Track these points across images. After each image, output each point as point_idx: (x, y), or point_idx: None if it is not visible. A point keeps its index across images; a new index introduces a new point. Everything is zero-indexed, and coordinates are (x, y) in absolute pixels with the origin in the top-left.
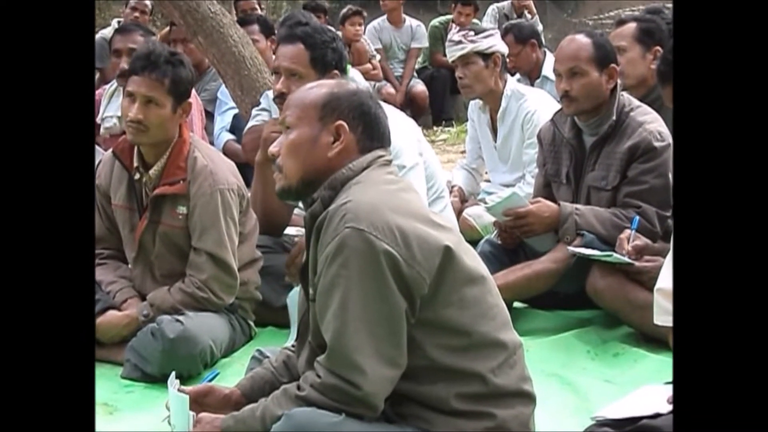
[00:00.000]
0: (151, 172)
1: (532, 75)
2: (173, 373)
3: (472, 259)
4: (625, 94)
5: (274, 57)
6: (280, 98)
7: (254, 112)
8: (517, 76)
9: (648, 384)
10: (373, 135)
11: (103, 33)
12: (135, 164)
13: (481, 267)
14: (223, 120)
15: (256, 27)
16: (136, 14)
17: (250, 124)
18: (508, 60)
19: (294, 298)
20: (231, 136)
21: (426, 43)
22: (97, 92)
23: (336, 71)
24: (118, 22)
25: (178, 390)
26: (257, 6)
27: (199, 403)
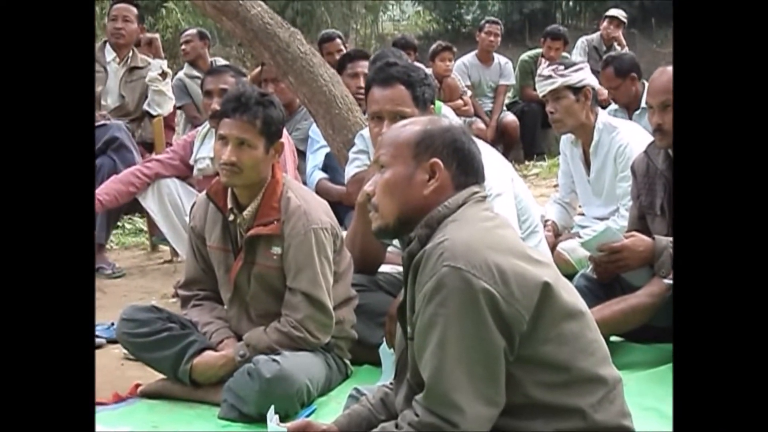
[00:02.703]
0: (245, 213)
1: (630, 107)
2: (272, 407)
3: (570, 294)
4: None
5: (368, 101)
6: None
7: (351, 155)
8: (614, 106)
9: None
10: (467, 171)
11: (180, 76)
12: (229, 206)
13: (579, 302)
14: (315, 159)
15: (365, 62)
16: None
17: (351, 169)
18: (607, 92)
19: (384, 350)
20: (324, 175)
21: (513, 80)
22: (189, 134)
23: (432, 107)
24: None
25: (278, 425)
26: (343, 47)
27: None
